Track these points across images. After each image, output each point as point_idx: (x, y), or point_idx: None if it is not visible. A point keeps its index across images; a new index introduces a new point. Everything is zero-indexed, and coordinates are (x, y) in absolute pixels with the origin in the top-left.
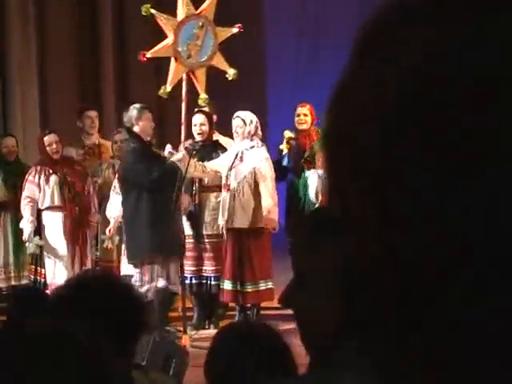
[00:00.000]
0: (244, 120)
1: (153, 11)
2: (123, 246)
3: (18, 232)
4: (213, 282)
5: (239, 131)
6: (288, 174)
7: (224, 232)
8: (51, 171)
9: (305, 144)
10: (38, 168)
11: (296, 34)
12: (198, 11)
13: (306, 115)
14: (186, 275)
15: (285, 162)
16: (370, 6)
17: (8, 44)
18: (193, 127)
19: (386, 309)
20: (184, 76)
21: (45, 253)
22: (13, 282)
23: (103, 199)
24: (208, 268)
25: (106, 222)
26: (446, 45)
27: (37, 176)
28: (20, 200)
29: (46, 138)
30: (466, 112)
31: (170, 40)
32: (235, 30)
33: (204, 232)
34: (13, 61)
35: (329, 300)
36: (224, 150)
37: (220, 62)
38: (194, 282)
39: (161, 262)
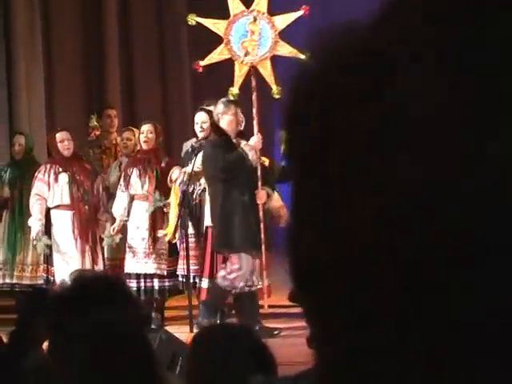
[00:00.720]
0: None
1: (198, 19)
2: (127, 244)
3: (16, 230)
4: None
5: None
6: None
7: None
8: (61, 169)
9: None
10: (48, 166)
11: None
12: (251, 8)
13: None
14: (190, 274)
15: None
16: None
17: (14, 39)
18: (195, 125)
19: (386, 309)
20: (251, 71)
21: (54, 251)
22: (7, 280)
23: (110, 197)
24: None
25: (113, 220)
26: (446, 45)
27: (46, 174)
28: (21, 199)
29: (58, 135)
30: (465, 112)
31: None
32: (300, 12)
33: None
34: (19, 59)
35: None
36: None
37: (286, 49)
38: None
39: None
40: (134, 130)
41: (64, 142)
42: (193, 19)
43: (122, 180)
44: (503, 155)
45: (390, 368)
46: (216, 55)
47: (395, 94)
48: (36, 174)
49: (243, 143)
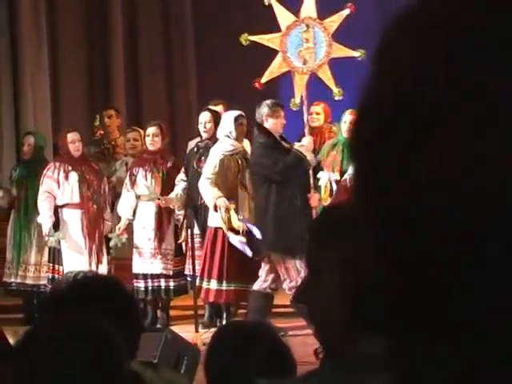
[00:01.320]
0: None
1: (252, 38)
2: (133, 244)
3: (21, 229)
4: None
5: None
6: None
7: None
8: (70, 168)
9: (315, 142)
10: (57, 164)
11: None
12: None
13: (318, 113)
14: (196, 274)
15: None
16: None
17: (19, 42)
18: (199, 125)
19: (393, 310)
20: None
21: (63, 250)
22: (12, 279)
23: (117, 197)
24: None
25: (117, 219)
26: (449, 48)
27: (56, 172)
28: (26, 198)
29: (69, 135)
30: (466, 113)
31: (279, 56)
32: (346, 11)
33: None
34: (25, 61)
35: (340, 300)
36: None
37: (341, 50)
38: None
39: (280, 260)
40: (140, 130)
41: (75, 143)
42: (246, 39)
43: (127, 180)
44: (503, 155)
45: (394, 368)
46: (275, 69)
47: (399, 95)
48: (44, 171)
49: (296, 144)
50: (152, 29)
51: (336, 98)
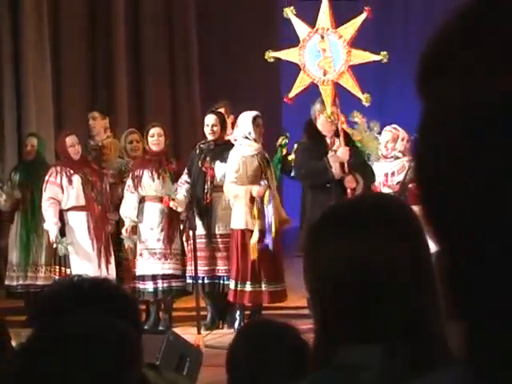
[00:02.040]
0: None
1: (275, 54)
2: (138, 246)
3: (29, 231)
4: (226, 282)
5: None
6: None
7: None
8: (72, 171)
9: None
10: (58, 168)
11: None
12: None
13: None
14: (198, 275)
15: None
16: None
17: (22, 43)
18: (205, 127)
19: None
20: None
21: (71, 253)
22: (20, 281)
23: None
24: (221, 268)
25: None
26: None
27: (58, 176)
28: (33, 200)
29: (67, 139)
30: (465, 116)
31: (302, 70)
32: (363, 16)
33: (216, 232)
34: (27, 63)
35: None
36: None
37: (361, 56)
38: (206, 281)
39: None
40: (138, 132)
41: (74, 146)
42: (270, 56)
43: (129, 181)
44: (503, 156)
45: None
46: (299, 83)
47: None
48: (47, 177)
49: (330, 153)
50: (155, 30)
51: (364, 103)
